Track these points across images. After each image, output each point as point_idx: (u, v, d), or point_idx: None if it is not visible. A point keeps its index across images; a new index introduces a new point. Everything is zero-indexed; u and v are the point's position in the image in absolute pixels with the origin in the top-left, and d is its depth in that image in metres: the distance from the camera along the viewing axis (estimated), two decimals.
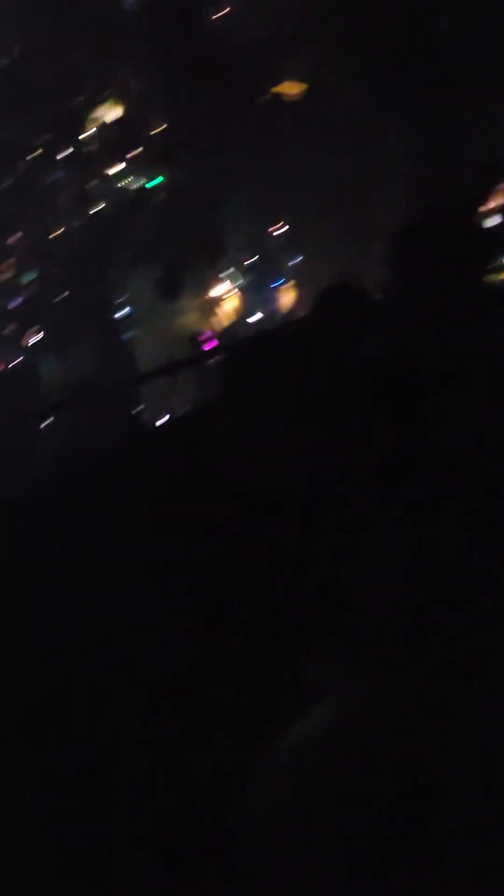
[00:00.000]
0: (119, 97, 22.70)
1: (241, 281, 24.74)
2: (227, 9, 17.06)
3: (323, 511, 2.11)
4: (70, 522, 2.74)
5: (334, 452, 2.21)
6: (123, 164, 21.74)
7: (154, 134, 19.13)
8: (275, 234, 23.98)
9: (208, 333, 21.52)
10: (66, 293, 23.38)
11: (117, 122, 20.81)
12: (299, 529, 2.15)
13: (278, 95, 13.48)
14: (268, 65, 13.27)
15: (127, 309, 22.06)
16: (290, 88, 13.50)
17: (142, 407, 12.03)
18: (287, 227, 23.34)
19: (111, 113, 23.49)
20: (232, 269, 24.54)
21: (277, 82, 13.40)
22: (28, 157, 29.21)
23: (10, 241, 24.78)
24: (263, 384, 2.43)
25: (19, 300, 23.62)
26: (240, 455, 2.43)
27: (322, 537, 2.13)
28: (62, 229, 27.15)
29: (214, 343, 20.53)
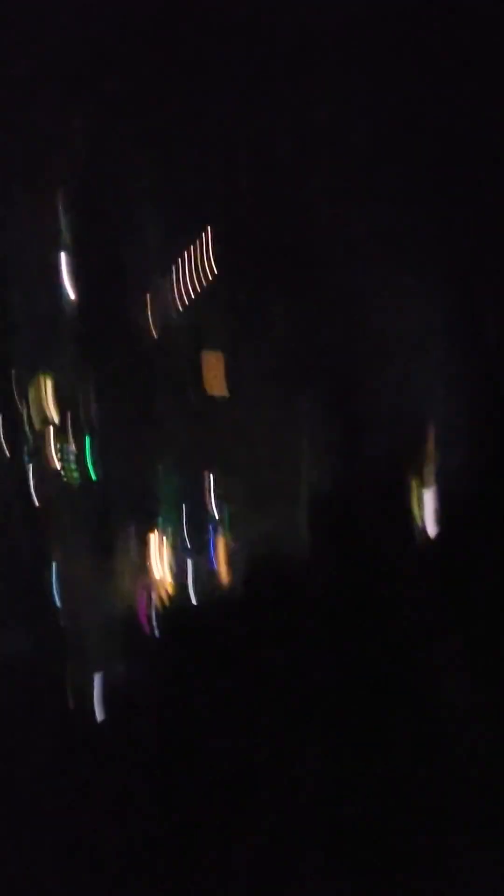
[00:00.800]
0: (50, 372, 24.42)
1: (172, 535, 25.16)
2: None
3: None
4: None
5: None
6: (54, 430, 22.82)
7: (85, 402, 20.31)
8: (207, 488, 24.92)
9: (142, 594, 21.30)
10: None
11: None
12: None
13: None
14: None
15: (54, 571, 21.85)
16: (211, 360, 14.79)
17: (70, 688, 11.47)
18: (215, 482, 24.34)
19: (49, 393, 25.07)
20: (162, 523, 25.02)
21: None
22: None
23: None
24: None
25: None
26: None
27: None
28: None
29: (149, 605, 20.23)
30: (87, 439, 19.80)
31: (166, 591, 22.50)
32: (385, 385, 10.15)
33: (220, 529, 23.88)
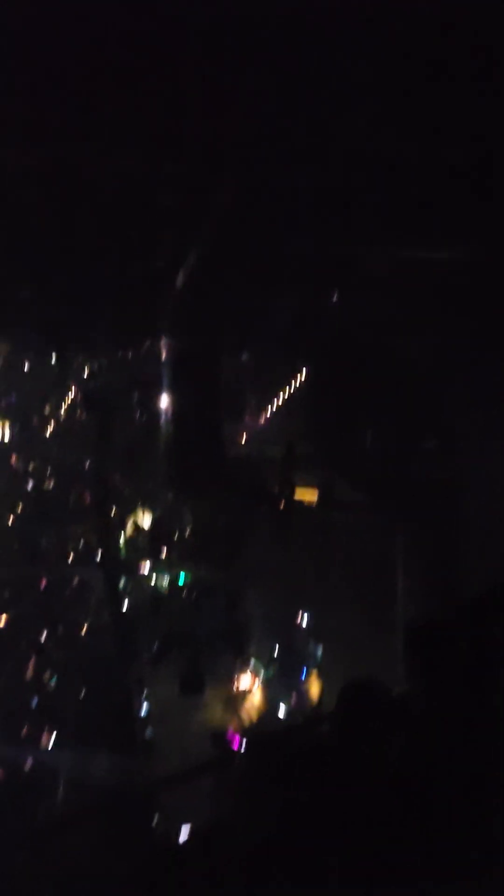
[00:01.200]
0: (148, 506, 25.19)
1: (264, 673, 24.57)
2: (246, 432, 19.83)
3: None
4: None
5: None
6: (151, 564, 23.26)
7: (180, 537, 20.72)
8: (299, 624, 24.45)
9: (232, 731, 20.67)
10: (85, 691, 23.18)
11: (148, 528, 22.79)
12: None
13: (297, 501, 14.91)
14: (285, 474, 14.98)
15: (145, 705, 21.63)
16: (306, 495, 14.97)
17: (157, 819, 11.14)
18: (308, 617, 23.88)
19: (143, 519, 25.82)
20: (254, 662, 24.53)
21: (293, 489, 14.99)
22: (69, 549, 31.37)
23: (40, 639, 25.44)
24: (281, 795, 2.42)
25: (36, 698, 23.38)
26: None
27: None
28: (87, 623, 27.90)
29: (239, 741, 19.59)
30: (182, 574, 20.01)
31: (256, 721, 21.55)
32: (480, 516, 10.05)
33: (311, 664, 23.06)
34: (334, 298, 8.41)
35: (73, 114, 4.77)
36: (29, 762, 19.34)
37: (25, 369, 30.50)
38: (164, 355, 13.29)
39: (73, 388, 27.91)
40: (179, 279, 7.51)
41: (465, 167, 5.35)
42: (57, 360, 14.68)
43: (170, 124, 4.95)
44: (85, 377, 20.65)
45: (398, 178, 5.59)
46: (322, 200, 6.09)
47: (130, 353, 14.04)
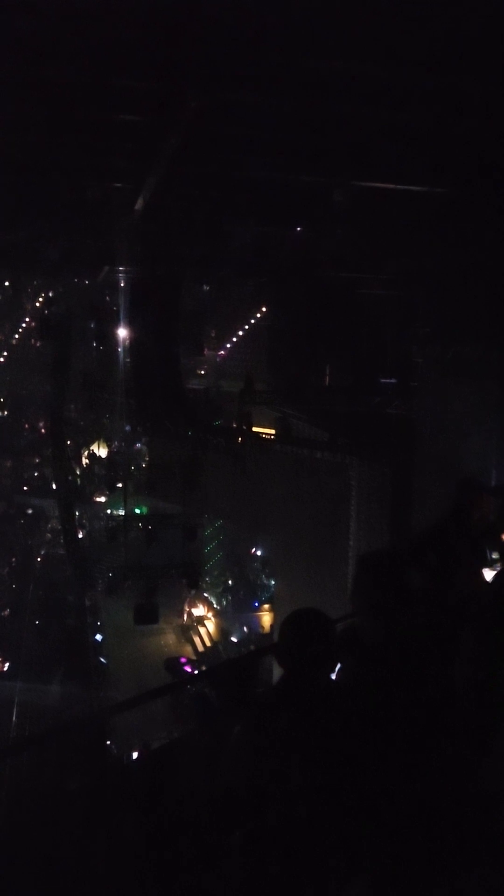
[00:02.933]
0: (105, 437, 25.07)
1: (218, 603, 25.12)
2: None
3: None
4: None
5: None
6: (107, 495, 23.29)
7: (137, 469, 20.69)
8: (254, 556, 24.91)
9: (184, 659, 21.21)
10: (40, 618, 23.44)
11: (105, 459, 22.73)
12: None
13: (254, 436, 15.00)
14: (243, 408, 15.01)
15: (99, 636, 22.03)
16: (263, 430, 15.05)
17: (109, 742, 11.47)
18: (262, 550, 24.32)
19: (100, 450, 25.73)
20: (209, 593, 25.03)
21: (254, 425, 15.07)
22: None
23: None
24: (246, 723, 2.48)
25: None
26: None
27: None
28: (43, 552, 28.02)
29: (191, 668, 20.14)
30: (138, 506, 19.92)
31: (209, 646, 21.87)
32: (434, 453, 10.22)
33: (264, 595, 23.50)
34: (297, 229, 8.27)
35: (29, 25, 4.50)
36: None
37: None
38: (122, 284, 12.99)
39: (28, 314, 27.27)
40: (139, 202, 7.27)
41: (433, 99, 5.23)
42: (10, 284, 14.24)
43: (132, 37, 4.71)
44: (40, 303, 20.17)
45: (366, 108, 5.45)
46: (288, 126, 5.92)
47: (87, 281, 13.68)
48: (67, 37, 4.63)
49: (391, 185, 6.79)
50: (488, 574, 4.58)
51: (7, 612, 24.61)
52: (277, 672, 2.49)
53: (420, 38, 4.55)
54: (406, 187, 6.76)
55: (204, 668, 17.72)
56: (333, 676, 2.53)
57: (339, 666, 2.58)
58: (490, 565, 5.19)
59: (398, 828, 2.10)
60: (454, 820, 2.02)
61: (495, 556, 5.56)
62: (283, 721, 2.29)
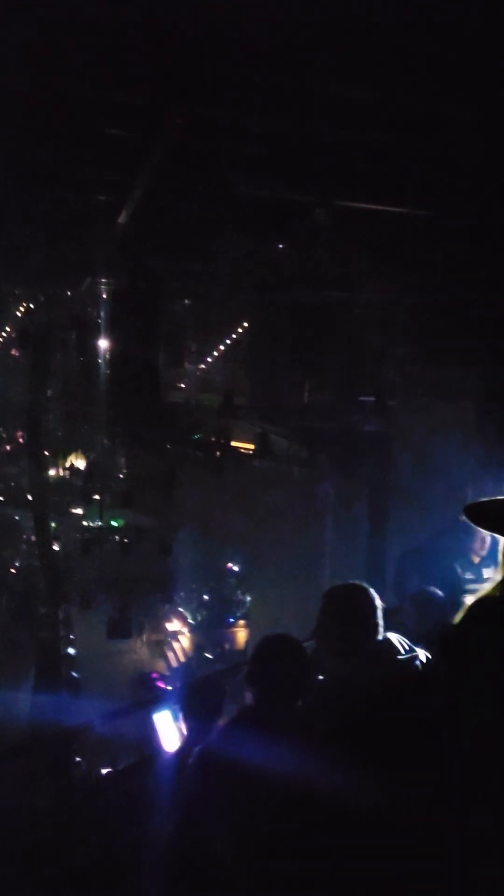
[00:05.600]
0: (83, 449, 24.94)
1: (192, 619, 24.97)
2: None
3: None
4: None
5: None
6: (84, 507, 23.13)
7: (114, 481, 20.61)
8: (229, 572, 24.84)
9: (156, 674, 21.04)
10: (13, 630, 23.16)
11: (82, 471, 22.60)
12: None
13: (233, 450, 15.03)
14: (223, 425, 15.06)
15: (71, 649, 21.78)
16: (241, 445, 15.09)
17: (78, 760, 11.31)
18: (238, 566, 24.26)
19: (78, 462, 25.57)
20: (183, 608, 24.87)
21: (233, 440, 15.10)
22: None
23: None
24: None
25: None
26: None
27: None
28: (17, 563, 27.71)
29: (163, 683, 19.97)
30: (114, 518, 19.80)
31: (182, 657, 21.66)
32: (412, 471, 10.29)
33: (239, 611, 23.34)
34: (280, 247, 8.33)
35: (12, 34, 4.51)
36: None
37: None
38: (104, 295, 12.96)
39: (8, 323, 27.10)
40: (122, 216, 7.28)
41: (416, 122, 5.31)
42: None
43: (120, 50, 4.73)
44: (21, 313, 20.05)
45: (350, 129, 5.53)
46: (273, 145, 5.98)
47: (69, 291, 13.64)
48: (54, 48, 4.65)
49: (373, 206, 6.88)
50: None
51: None
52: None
53: (406, 62, 4.62)
54: (388, 209, 6.85)
55: (177, 684, 17.60)
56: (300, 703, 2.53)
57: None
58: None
59: (362, 856, 2.10)
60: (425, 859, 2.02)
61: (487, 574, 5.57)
62: (248, 743, 2.29)
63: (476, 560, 5.66)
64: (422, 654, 2.78)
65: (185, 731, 3.27)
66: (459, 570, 5.52)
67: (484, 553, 5.63)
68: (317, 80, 4.82)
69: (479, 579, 5.56)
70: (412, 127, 5.34)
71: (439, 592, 4.90)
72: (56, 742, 7.88)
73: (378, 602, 2.83)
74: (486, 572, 5.65)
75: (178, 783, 2.62)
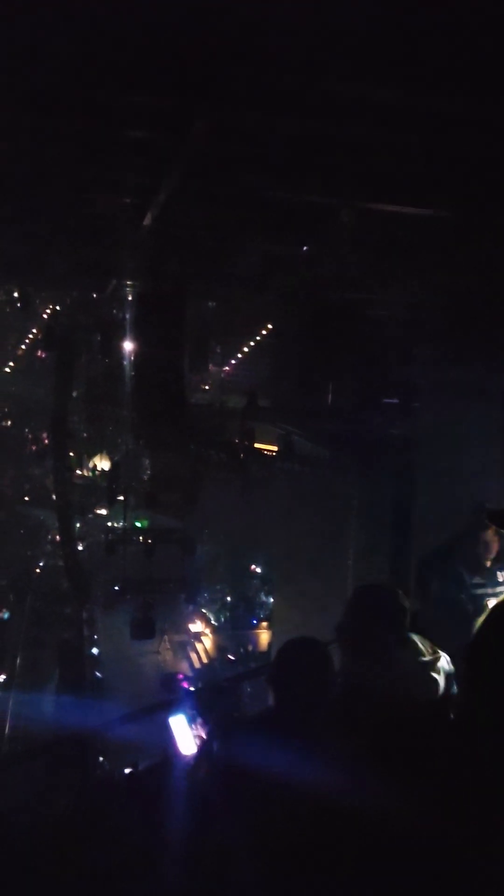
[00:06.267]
0: (108, 450, 25.08)
1: (215, 620, 25.02)
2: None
3: None
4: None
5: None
6: (108, 508, 23.26)
7: (139, 483, 20.69)
8: (253, 574, 24.85)
9: (181, 675, 21.10)
10: (38, 630, 23.35)
11: (107, 472, 22.73)
12: None
13: (256, 453, 15.02)
14: (245, 425, 15.06)
15: (95, 649, 21.93)
16: (265, 447, 15.08)
17: (101, 759, 11.38)
18: (262, 567, 24.26)
19: (102, 463, 25.74)
20: (207, 609, 24.93)
21: (256, 441, 15.10)
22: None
23: None
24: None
25: None
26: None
27: None
28: (42, 563, 27.96)
29: (187, 684, 20.02)
30: (138, 519, 19.89)
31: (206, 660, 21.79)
32: (437, 474, 10.22)
33: (262, 613, 23.40)
34: (304, 248, 8.31)
35: (37, 38, 4.55)
36: None
37: None
38: (129, 298, 13.03)
39: (35, 325, 27.37)
40: (147, 218, 7.32)
41: (441, 122, 5.27)
42: (19, 296, 14.30)
43: (144, 53, 4.76)
44: (47, 315, 20.25)
45: (374, 130, 5.50)
46: (297, 147, 5.97)
47: (94, 294, 13.75)
48: (78, 51, 4.68)
49: (398, 208, 6.84)
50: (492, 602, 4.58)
51: (5, 621, 24.54)
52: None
53: (429, 61, 4.59)
54: (412, 210, 6.81)
55: (200, 685, 17.64)
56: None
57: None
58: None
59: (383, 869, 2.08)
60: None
61: (501, 578, 5.52)
62: (267, 746, 2.28)
63: (488, 564, 5.62)
64: (445, 657, 2.75)
65: (203, 734, 3.28)
66: (466, 576, 5.48)
67: (491, 557, 5.59)
68: (341, 81, 4.81)
69: (491, 583, 5.52)
70: (437, 127, 5.30)
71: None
72: (78, 741, 7.93)
73: (403, 603, 2.81)
74: (500, 576, 5.61)
75: (197, 785, 2.62)
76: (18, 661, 22.53)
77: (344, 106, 5.23)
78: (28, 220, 8.08)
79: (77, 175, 6.94)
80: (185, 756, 3.91)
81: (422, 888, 2.10)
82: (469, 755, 2.08)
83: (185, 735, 4.24)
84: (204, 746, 2.86)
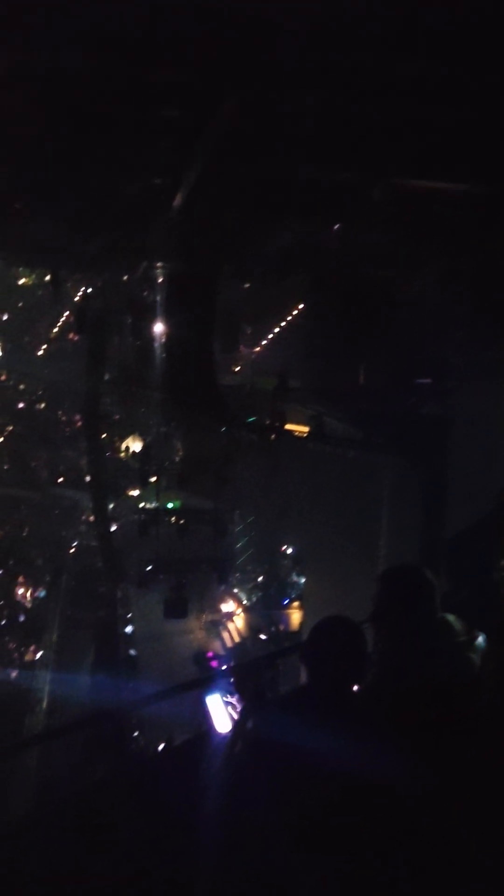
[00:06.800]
0: (139, 432, 25.23)
1: (247, 600, 25.16)
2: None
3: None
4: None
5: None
6: (140, 489, 23.46)
7: (170, 464, 20.82)
8: (284, 554, 24.92)
9: (212, 654, 21.31)
10: (71, 609, 23.72)
11: (138, 454, 22.90)
12: None
13: (287, 433, 14.99)
14: (276, 406, 15.03)
15: (129, 627, 22.22)
16: (297, 428, 15.03)
17: (136, 734, 11.60)
18: (293, 547, 24.30)
19: (134, 445, 25.93)
20: (238, 589, 25.07)
21: (287, 422, 15.08)
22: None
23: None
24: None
25: (23, 615, 23.95)
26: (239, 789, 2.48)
27: None
28: (76, 543, 28.35)
29: (217, 663, 20.21)
30: (171, 500, 20.02)
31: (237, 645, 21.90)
32: (469, 454, 10.12)
33: (293, 593, 23.40)
34: (336, 227, 8.23)
35: (68, 17, 4.53)
36: (14, 676, 19.93)
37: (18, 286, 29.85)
38: (160, 279, 13.04)
39: (67, 308, 27.52)
40: (178, 199, 7.30)
41: (476, 96, 5.16)
42: (51, 278, 14.39)
43: (173, 30, 4.72)
44: (79, 297, 20.36)
45: (407, 105, 5.40)
46: (328, 123, 5.89)
47: (126, 276, 13.77)
48: (108, 30, 4.66)
49: (432, 184, 6.73)
50: None
51: (41, 600, 24.96)
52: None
53: (467, 34, 4.49)
54: (447, 185, 6.69)
55: (231, 663, 17.81)
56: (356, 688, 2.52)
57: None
58: None
59: (404, 846, 2.09)
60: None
61: None
62: (301, 724, 2.29)
63: None
64: (482, 637, 2.74)
65: (237, 712, 3.31)
66: (496, 557, 5.43)
67: None
68: (374, 56, 4.72)
69: None
70: (472, 101, 5.20)
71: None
72: (113, 717, 8.08)
73: (434, 583, 2.80)
74: None
75: (230, 762, 2.65)
76: (54, 638, 22.94)
77: (375, 81, 5.15)
78: (59, 203, 8.11)
79: (106, 155, 6.94)
80: (220, 734, 3.96)
81: (451, 864, 2.11)
82: (500, 733, 2.08)
83: (221, 713, 4.30)
84: (238, 723, 2.89)
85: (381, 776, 2.18)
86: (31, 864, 3.06)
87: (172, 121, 5.96)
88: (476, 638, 2.77)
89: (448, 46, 4.61)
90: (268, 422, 15.04)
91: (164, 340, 12.92)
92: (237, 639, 23.23)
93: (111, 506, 22.81)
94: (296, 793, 2.23)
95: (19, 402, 32.91)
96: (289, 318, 18.64)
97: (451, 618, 2.87)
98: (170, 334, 11.67)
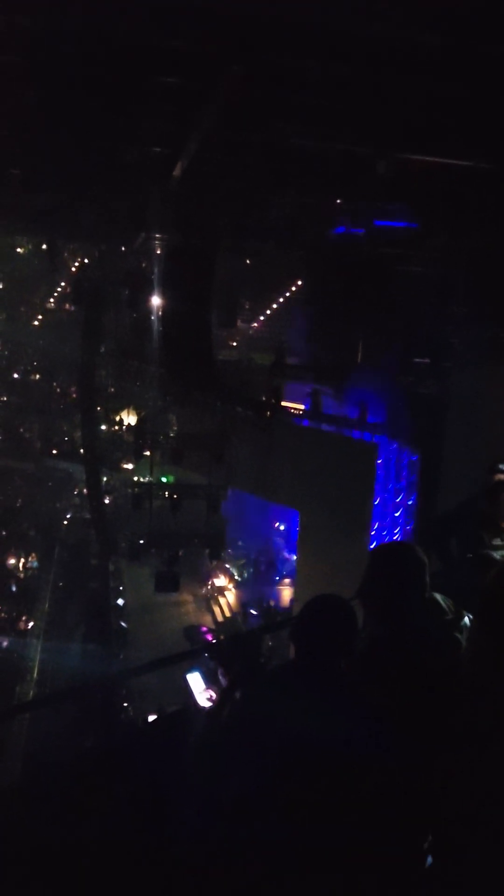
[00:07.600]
0: (135, 405, 25.14)
1: (238, 575, 25.30)
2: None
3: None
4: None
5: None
6: (134, 462, 23.44)
7: (165, 438, 20.79)
8: (276, 530, 25.02)
9: (204, 628, 21.45)
10: (63, 580, 23.81)
11: (133, 427, 22.85)
12: None
13: (286, 408, 15.00)
14: (273, 382, 15.01)
15: (121, 600, 22.34)
16: (292, 404, 15.02)
17: (125, 704, 11.69)
18: (285, 524, 24.37)
19: (129, 418, 25.85)
20: (230, 564, 25.20)
21: (283, 399, 15.07)
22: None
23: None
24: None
25: (14, 586, 24.06)
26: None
27: None
28: (69, 515, 28.36)
29: (210, 636, 20.36)
30: (164, 474, 19.97)
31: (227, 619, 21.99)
32: (465, 434, 10.12)
33: (285, 569, 23.48)
34: (337, 201, 8.14)
35: None
36: (6, 645, 20.05)
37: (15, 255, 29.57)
38: (158, 251, 12.90)
39: (63, 279, 27.27)
40: (177, 168, 7.19)
41: (481, 70, 5.07)
42: (48, 249, 14.21)
43: None
44: (75, 268, 20.17)
45: (412, 77, 5.31)
46: (331, 95, 5.79)
47: (123, 247, 13.62)
48: None
49: (435, 159, 6.64)
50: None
51: (33, 571, 25.05)
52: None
53: (471, 6, 4.41)
54: (450, 161, 6.60)
55: (222, 636, 17.92)
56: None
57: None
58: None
59: (393, 825, 2.11)
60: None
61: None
62: (287, 695, 2.30)
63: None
64: (468, 616, 2.75)
65: (225, 683, 3.33)
66: (486, 537, 5.44)
67: None
68: (378, 24, 4.63)
69: None
70: (480, 74, 5.11)
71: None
72: (103, 687, 8.13)
73: (424, 561, 2.80)
74: None
75: (217, 732, 2.67)
76: (46, 609, 23.04)
77: (380, 51, 5.05)
78: (56, 172, 7.99)
79: (105, 124, 6.82)
80: (202, 709, 3.99)
81: (431, 833, 2.13)
82: (481, 709, 2.09)
83: (201, 691, 4.33)
84: (225, 695, 2.90)
85: (364, 747, 2.19)
86: (21, 830, 3.08)
87: (171, 89, 5.85)
88: (463, 617, 2.79)
89: (459, 20, 4.53)
90: (264, 398, 15.00)
91: (161, 314, 12.82)
92: (228, 613, 23.38)
93: (105, 479, 22.80)
94: (280, 761, 2.24)
95: (13, 372, 32.73)
96: (287, 293, 18.52)
97: (439, 596, 2.88)
98: (167, 307, 11.57)
